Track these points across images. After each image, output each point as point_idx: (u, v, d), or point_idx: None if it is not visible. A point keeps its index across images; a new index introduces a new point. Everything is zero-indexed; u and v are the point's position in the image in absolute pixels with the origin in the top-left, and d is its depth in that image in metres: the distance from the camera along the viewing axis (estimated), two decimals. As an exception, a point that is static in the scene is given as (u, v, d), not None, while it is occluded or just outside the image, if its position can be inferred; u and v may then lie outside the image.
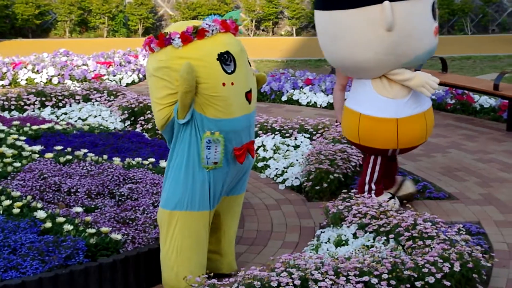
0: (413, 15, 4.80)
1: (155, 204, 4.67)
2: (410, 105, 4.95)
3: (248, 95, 3.96)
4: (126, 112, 7.39)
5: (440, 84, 8.46)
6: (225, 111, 3.88)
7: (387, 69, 4.93)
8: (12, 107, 7.51)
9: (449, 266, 3.85)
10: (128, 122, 7.35)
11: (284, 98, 9.07)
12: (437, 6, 5.14)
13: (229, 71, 3.86)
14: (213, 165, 3.93)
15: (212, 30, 3.90)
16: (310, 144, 6.57)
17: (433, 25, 4.93)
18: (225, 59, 3.86)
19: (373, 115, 5.00)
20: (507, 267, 4.40)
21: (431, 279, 3.77)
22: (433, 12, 4.92)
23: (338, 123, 6.99)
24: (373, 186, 5.19)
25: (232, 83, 3.87)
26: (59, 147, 5.66)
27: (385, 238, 4.33)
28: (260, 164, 6.24)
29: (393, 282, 3.71)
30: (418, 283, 3.74)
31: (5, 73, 9.56)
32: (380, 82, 4.98)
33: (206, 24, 3.90)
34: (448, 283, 3.79)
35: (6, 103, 7.51)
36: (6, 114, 7.26)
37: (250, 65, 4.11)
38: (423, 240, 4.16)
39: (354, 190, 5.02)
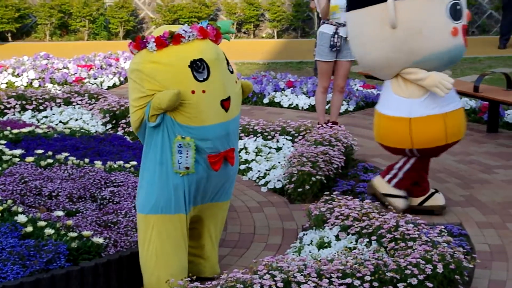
0: (420, 13, 4.84)
1: (137, 208, 4.65)
2: (426, 105, 4.96)
3: (224, 103, 3.94)
4: (107, 115, 7.35)
5: (421, 86, 8.55)
6: (195, 118, 3.87)
7: (398, 68, 4.99)
8: (-8, 110, 7.46)
9: (432, 267, 3.86)
10: (109, 125, 7.32)
11: (265, 100, 9.07)
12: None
13: (201, 79, 3.86)
14: (185, 170, 3.91)
15: (189, 36, 3.90)
16: (292, 146, 6.57)
17: (450, 25, 4.90)
18: (198, 66, 3.85)
19: (388, 113, 5.09)
20: (489, 268, 4.42)
21: (413, 281, 3.78)
22: (453, 12, 4.90)
23: (320, 125, 7.00)
24: (401, 175, 5.21)
25: (204, 91, 3.86)
26: (40, 151, 5.63)
27: (367, 240, 4.34)
28: (242, 167, 6.23)
29: (375, 284, 3.72)
30: (400, 285, 3.75)
31: (-15, 76, 9.50)
32: (396, 81, 5.06)
33: (183, 30, 3.89)
34: (430, 285, 3.80)
35: (-14, 106, 7.47)
36: (-14, 117, 7.21)
37: (232, 72, 4.08)
38: (405, 242, 4.18)
39: (336, 192, 5.02)
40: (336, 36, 7.08)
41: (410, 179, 5.25)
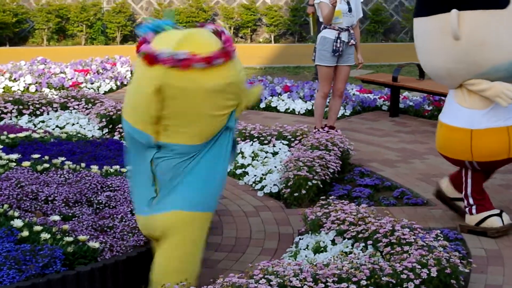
0: (486, 25, 4.67)
1: (133, 212, 4.64)
2: (489, 118, 4.82)
3: None
4: (104, 119, 7.36)
5: (418, 91, 8.57)
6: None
7: (460, 78, 4.87)
8: (-11, 115, 7.46)
9: (427, 272, 3.86)
10: (106, 130, 7.32)
11: (262, 105, 9.08)
12: None
13: None
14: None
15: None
16: (288, 151, 6.57)
17: None
18: None
19: (449, 123, 4.96)
20: (485, 273, 4.42)
21: (410, 285, 3.78)
22: None
23: (317, 129, 7.00)
24: (471, 200, 5.05)
25: None
26: (36, 155, 5.62)
27: (363, 244, 4.34)
28: (238, 171, 6.23)
29: (371, 288, 3.71)
30: (396, 289, 3.74)
31: (-18, 81, 9.50)
32: (460, 91, 4.94)
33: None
34: (426, 289, 3.80)
35: (-18, 111, 7.46)
36: (-18, 122, 7.21)
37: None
38: (401, 246, 4.17)
39: (333, 197, 5.02)
40: (338, 41, 7.09)
41: (485, 196, 5.09)
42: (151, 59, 3.71)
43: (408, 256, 4.02)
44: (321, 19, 7.22)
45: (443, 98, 8.58)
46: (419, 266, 3.88)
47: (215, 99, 3.82)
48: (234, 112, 3.96)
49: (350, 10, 7.13)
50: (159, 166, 3.96)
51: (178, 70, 3.70)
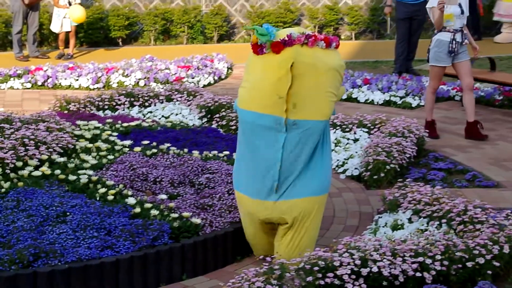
0: None
1: (230, 192, 4.69)
2: None
3: None
4: (203, 110, 7.44)
5: (489, 82, 8.30)
6: None
7: None
8: (106, 107, 7.66)
9: (499, 248, 3.76)
10: (205, 119, 7.40)
11: (344, 96, 8.98)
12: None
13: None
14: None
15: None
16: (368, 137, 6.49)
17: None
18: None
19: None
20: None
21: (481, 260, 3.69)
22: None
23: (427, 121, 6.83)
24: None
25: None
26: (146, 142, 5.76)
27: (438, 223, 4.26)
28: (323, 156, 6.20)
29: (445, 263, 3.65)
30: (469, 264, 3.66)
31: (100, 77, 9.75)
32: None
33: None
34: (497, 264, 3.70)
35: (100, 103, 7.66)
36: (100, 113, 7.41)
37: None
38: (474, 225, 4.08)
39: (409, 180, 4.94)
40: (453, 42, 6.83)
41: None
42: (279, 46, 3.92)
43: (480, 233, 3.93)
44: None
45: (513, 88, 8.29)
46: (491, 243, 3.79)
47: (333, 77, 4.05)
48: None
49: (462, 12, 6.84)
50: (292, 143, 3.98)
51: (307, 47, 3.95)
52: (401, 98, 8.61)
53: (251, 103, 4.01)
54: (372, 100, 8.79)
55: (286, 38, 3.92)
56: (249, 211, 4.14)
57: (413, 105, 8.40)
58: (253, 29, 3.99)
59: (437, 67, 7.01)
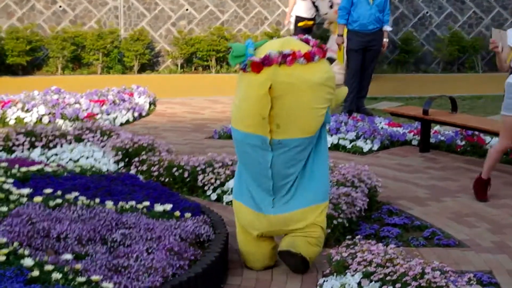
0: None
1: (149, 251, 4.66)
2: None
3: None
4: (120, 153, 7.41)
5: (450, 125, 8.54)
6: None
7: None
8: (0, 148, 7.54)
9: (459, 318, 3.83)
10: (122, 164, 7.36)
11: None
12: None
13: None
14: None
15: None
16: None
17: None
18: None
19: None
20: (520, 320, 4.38)
21: (440, 332, 3.75)
22: None
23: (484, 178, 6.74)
24: None
25: None
26: (48, 190, 5.67)
27: (391, 287, 4.31)
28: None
29: (399, 335, 3.69)
30: (426, 337, 3.72)
31: (-7, 112, 9.62)
32: None
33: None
34: (458, 337, 3.77)
35: (-7, 143, 7.55)
36: (-7, 155, 7.29)
37: None
38: (432, 290, 4.15)
39: (359, 237, 5.01)
40: None
41: None
42: (258, 65, 4.51)
43: (439, 301, 3.99)
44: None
45: (476, 133, 8.56)
46: (451, 312, 3.86)
47: (318, 92, 4.62)
48: (328, 108, 4.74)
49: None
50: (279, 160, 4.69)
51: (285, 67, 4.53)
52: (351, 141, 8.76)
53: (239, 122, 4.73)
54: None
55: (264, 58, 4.46)
56: (248, 223, 4.93)
57: (364, 150, 8.57)
58: (231, 47, 4.57)
59: (510, 118, 6.51)
